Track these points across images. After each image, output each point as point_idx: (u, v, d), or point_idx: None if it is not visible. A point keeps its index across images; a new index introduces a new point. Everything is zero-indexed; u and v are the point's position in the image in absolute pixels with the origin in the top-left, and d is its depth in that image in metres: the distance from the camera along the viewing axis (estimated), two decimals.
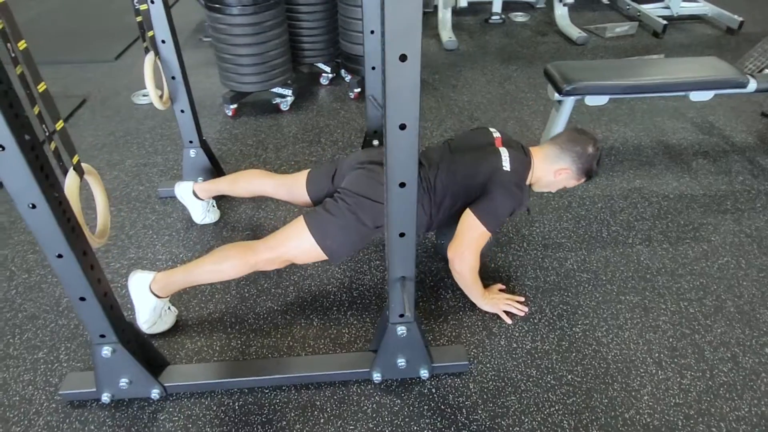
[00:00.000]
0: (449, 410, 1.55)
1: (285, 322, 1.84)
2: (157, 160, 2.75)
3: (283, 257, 1.70)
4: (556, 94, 2.45)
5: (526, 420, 1.52)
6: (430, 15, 4.66)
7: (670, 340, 1.75)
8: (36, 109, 1.23)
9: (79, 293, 1.32)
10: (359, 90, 3.30)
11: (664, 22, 4.16)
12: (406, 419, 1.53)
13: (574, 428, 1.50)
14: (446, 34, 4.15)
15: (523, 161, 1.76)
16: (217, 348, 1.75)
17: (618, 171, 2.60)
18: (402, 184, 1.20)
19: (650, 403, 1.56)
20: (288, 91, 3.17)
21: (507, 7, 4.79)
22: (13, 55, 1.15)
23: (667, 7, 4.54)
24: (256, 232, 2.24)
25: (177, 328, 1.82)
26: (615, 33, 4.23)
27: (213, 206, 2.29)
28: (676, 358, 1.69)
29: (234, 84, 3.04)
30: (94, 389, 1.55)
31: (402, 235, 1.29)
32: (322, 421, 1.53)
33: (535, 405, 1.56)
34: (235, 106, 3.12)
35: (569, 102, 2.47)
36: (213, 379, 1.61)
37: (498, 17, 4.59)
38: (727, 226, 2.24)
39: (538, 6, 4.92)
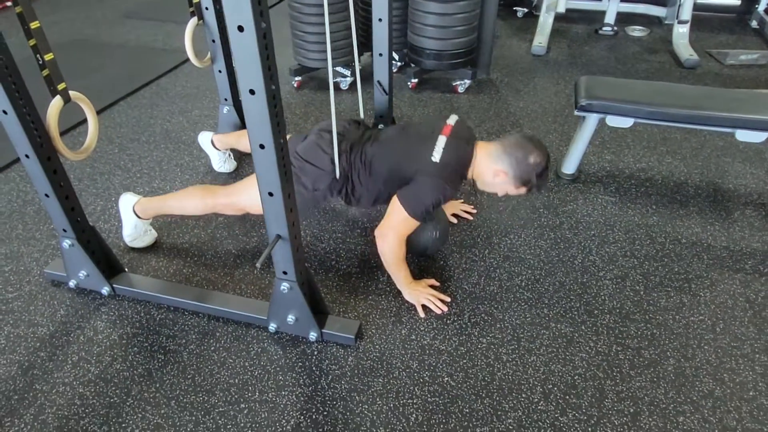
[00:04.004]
0: (317, 373, 1.65)
1: (233, 264, 2.07)
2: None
3: (236, 205, 1.93)
4: (575, 110, 2.32)
5: (379, 401, 1.56)
6: (538, 18, 4.51)
7: (575, 377, 1.64)
8: (32, 42, 1.58)
9: (44, 190, 1.68)
10: (417, 80, 3.38)
11: None
12: (277, 368, 1.67)
13: (419, 423, 1.51)
14: (539, 39, 4.00)
15: (461, 153, 1.74)
16: (171, 270, 2.05)
17: (639, 203, 2.37)
18: (261, 146, 1.33)
19: (511, 428, 1.50)
20: (348, 72, 3.37)
21: (627, 20, 4.45)
22: None
23: None
24: None
25: (151, 247, 2.15)
26: (738, 60, 3.72)
27: (230, 157, 2.60)
28: (568, 395, 1.58)
29: (300, 58, 3.33)
30: (65, 274, 1.93)
31: (270, 194, 1.42)
32: (211, 348, 1.74)
33: (396, 392, 1.59)
34: (299, 78, 3.42)
35: (591, 120, 2.33)
36: (150, 292, 1.90)
37: (609, 29, 4.28)
38: (729, 285, 1.95)
39: (666, 22, 4.48)
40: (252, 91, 1.24)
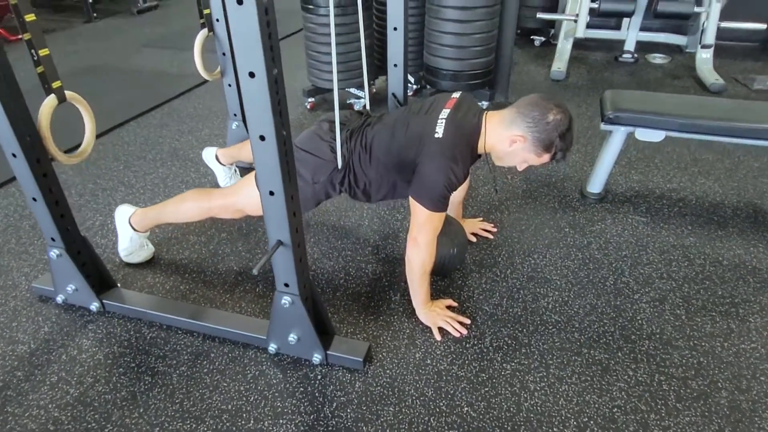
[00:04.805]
0: (320, 399, 1.47)
1: (234, 281, 1.92)
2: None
3: (234, 206, 1.80)
4: (602, 124, 2.18)
5: None
6: (555, 47, 4.45)
7: (614, 410, 1.43)
8: (26, 36, 1.50)
9: (31, 194, 1.56)
10: None
11: None
12: (276, 394, 1.49)
13: None
14: (558, 64, 3.92)
15: (466, 124, 1.57)
16: (167, 287, 1.90)
17: (673, 223, 2.20)
18: (262, 137, 1.20)
19: None
20: (362, 93, 3.29)
21: (646, 48, 4.36)
22: None
23: None
24: None
25: (148, 263, 2.01)
26: (766, 85, 3.58)
27: (236, 173, 2.49)
28: (607, 430, 1.37)
29: (314, 79, 3.27)
30: (53, 289, 1.80)
31: (271, 193, 1.29)
32: (205, 370, 1.57)
33: (409, 423, 1.40)
34: (312, 99, 3.35)
35: (618, 134, 2.18)
36: (142, 308, 1.75)
37: (630, 56, 4.19)
38: None
39: (687, 50, 4.37)
40: (252, 74, 1.12)
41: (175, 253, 2.07)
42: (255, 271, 1.27)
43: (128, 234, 1.95)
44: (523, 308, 1.78)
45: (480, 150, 1.63)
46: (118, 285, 1.84)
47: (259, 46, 1.08)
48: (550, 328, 1.70)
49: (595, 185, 2.35)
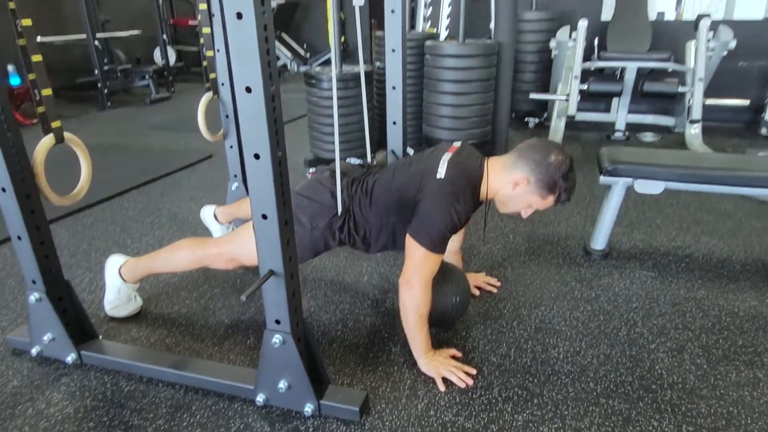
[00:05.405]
0: None
1: (224, 334, 1.81)
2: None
3: (228, 254, 1.74)
4: (601, 177, 2.18)
5: None
6: (549, 128, 4.60)
7: None
8: (32, 76, 1.54)
9: (17, 232, 1.51)
10: None
11: None
12: None
13: None
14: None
15: (467, 168, 1.56)
16: (152, 340, 1.79)
17: (682, 278, 2.12)
18: (256, 156, 1.18)
19: None
20: (361, 161, 3.34)
21: (637, 128, 4.51)
22: (19, 30, 1.48)
23: None
24: None
25: (134, 317, 1.90)
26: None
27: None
28: None
29: (316, 149, 3.34)
30: (29, 340, 1.68)
31: (264, 217, 1.24)
32: (184, 424, 1.42)
33: None
34: (313, 169, 3.39)
35: (618, 188, 2.17)
36: (121, 359, 1.62)
37: (621, 134, 4.32)
38: None
39: (675, 130, 4.52)
40: (249, 89, 1.12)
41: (163, 307, 1.97)
42: (243, 298, 1.19)
43: (117, 285, 1.87)
44: (533, 358, 1.65)
45: (482, 195, 1.61)
46: (99, 337, 1.73)
47: (256, 60, 1.09)
48: (563, 378, 1.57)
49: (599, 242, 2.30)
